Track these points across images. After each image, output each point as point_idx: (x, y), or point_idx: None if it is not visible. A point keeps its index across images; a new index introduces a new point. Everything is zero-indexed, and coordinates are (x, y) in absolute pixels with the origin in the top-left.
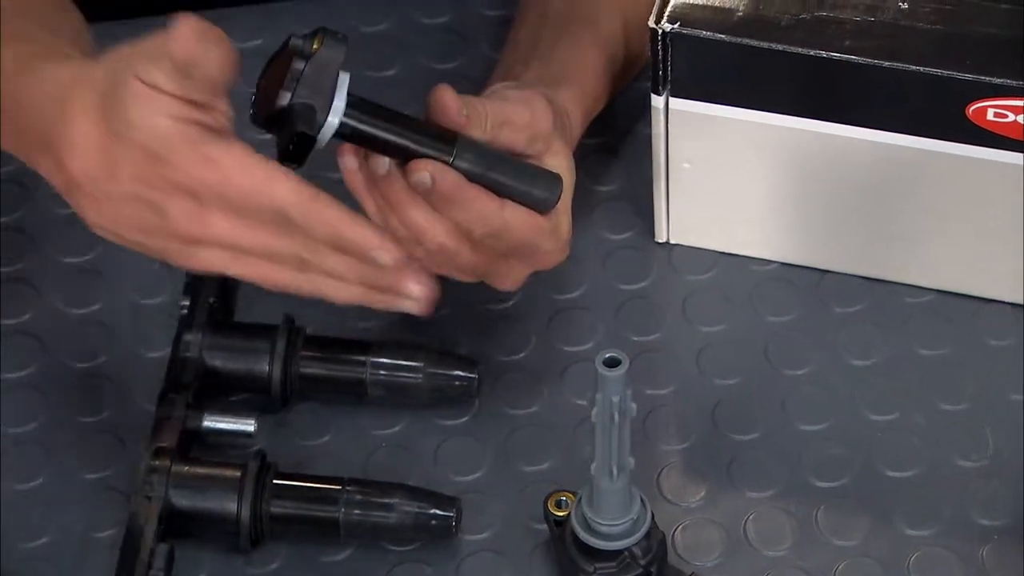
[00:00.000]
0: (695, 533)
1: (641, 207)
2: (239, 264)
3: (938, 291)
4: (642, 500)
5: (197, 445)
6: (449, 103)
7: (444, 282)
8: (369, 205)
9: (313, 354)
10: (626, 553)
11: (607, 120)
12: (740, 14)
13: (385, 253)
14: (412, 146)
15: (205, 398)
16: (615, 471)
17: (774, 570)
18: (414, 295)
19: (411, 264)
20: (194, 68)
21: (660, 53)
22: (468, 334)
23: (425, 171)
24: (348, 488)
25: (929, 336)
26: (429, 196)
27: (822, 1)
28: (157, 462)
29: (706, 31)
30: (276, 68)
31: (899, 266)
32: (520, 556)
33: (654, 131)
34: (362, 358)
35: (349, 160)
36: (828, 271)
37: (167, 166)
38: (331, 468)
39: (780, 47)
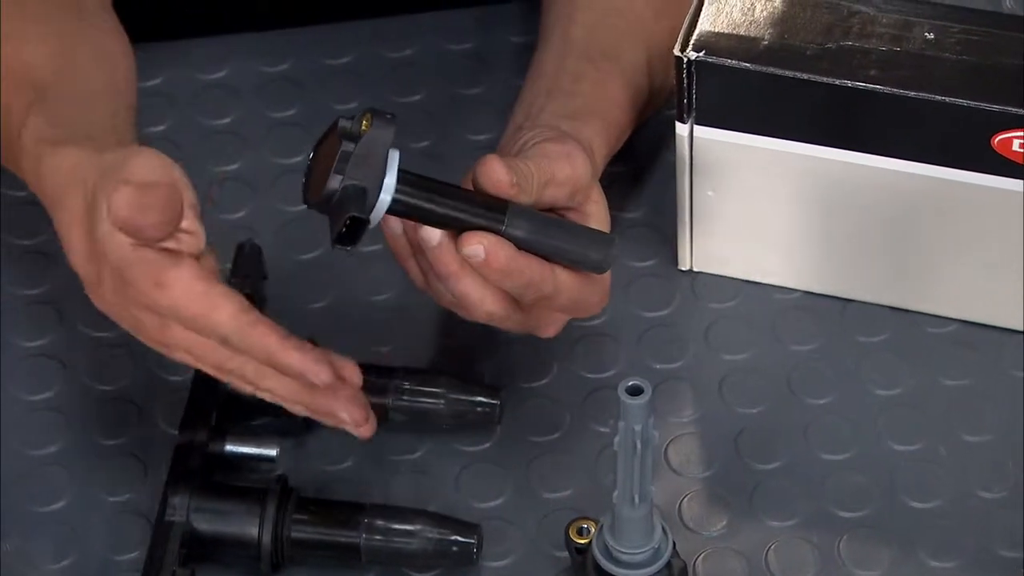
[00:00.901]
0: (716, 562)
1: (664, 235)
2: (204, 367)
3: (962, 321)
4: (664, 528)
5: (219, 469)
6: (499, 175)
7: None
8: (413, 270)
9: None
10: None
11: (631, 147)
12: (766, 43)
13: (315, 377)
14: (464, 217)
15: (227, 422)
16: (637, 499)
17: None
18: (346, 421)
19: (344, 390)
20: (134, 231)
21: (685, 81)
22: (490, 360)
23: (479, 244)
24: (369, 513)
25: (952, 366)
26: (481, 268)
27: (848, 31)
28: (179, 486)
29: (731, 59)
30: (324, 150)
31: (923, 296)
32: None
33: (678, 159)
34: (385, 384)
35: (393, 225)
36: (852, 300)
37: (130, 287)
38: (352, 493)
39: (805, 76)
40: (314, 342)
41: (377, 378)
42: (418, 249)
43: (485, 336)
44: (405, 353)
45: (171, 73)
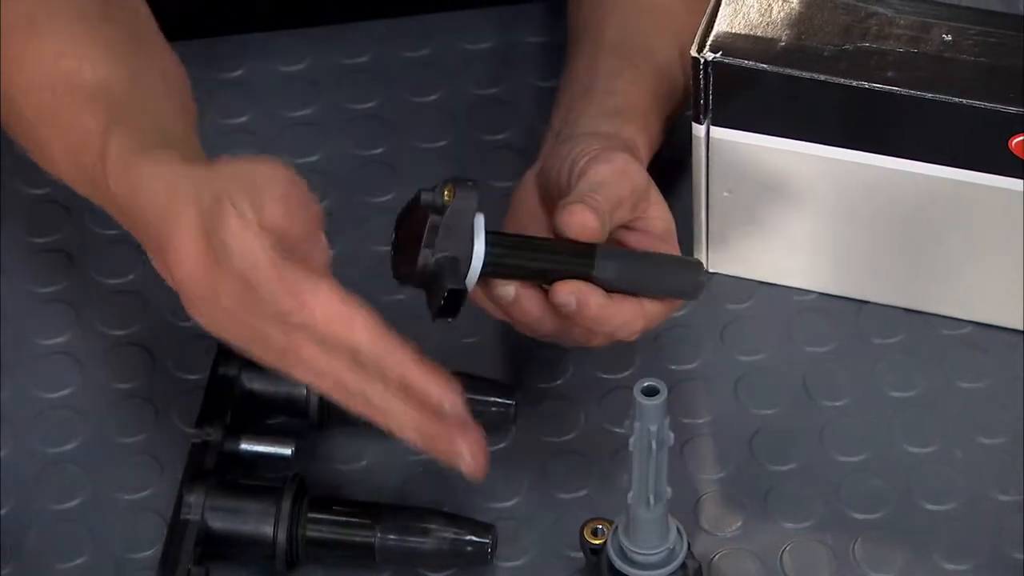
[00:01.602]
0: (731, 563)
1: (681, 235)
2: (324, 385)
3: (977, 323)
4: (678, 529)
5: (234, 468)
6: (590, 222)
7: (481, 309)
8: (493, 311)
9: None
10: None
11: None
12: (783, 44)
13: (447, 403)
14: (554, 268)
15: (243, 421)
16: (652, 500)
17: None
18: (465, 456)
19: (469, 426)
20: (285, 234)
21: (702, 82)
22: (505, 360)
23: (570, 294)
24: (384, 513)
25: (968, 368)
26: (573, 317)
27: (865, 32)
28: (194, 484)
29: (748, 60)
30: (409, 224)
31: (938, 298)
32: None
33: (695, 160)
34: None
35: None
36: (867, 302)
37: (259, 295)
38: (367, 492)
39: (822, 77)
40: None
41: None
42: (495, 298)
43: (501, 336)
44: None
45: (187, 72)
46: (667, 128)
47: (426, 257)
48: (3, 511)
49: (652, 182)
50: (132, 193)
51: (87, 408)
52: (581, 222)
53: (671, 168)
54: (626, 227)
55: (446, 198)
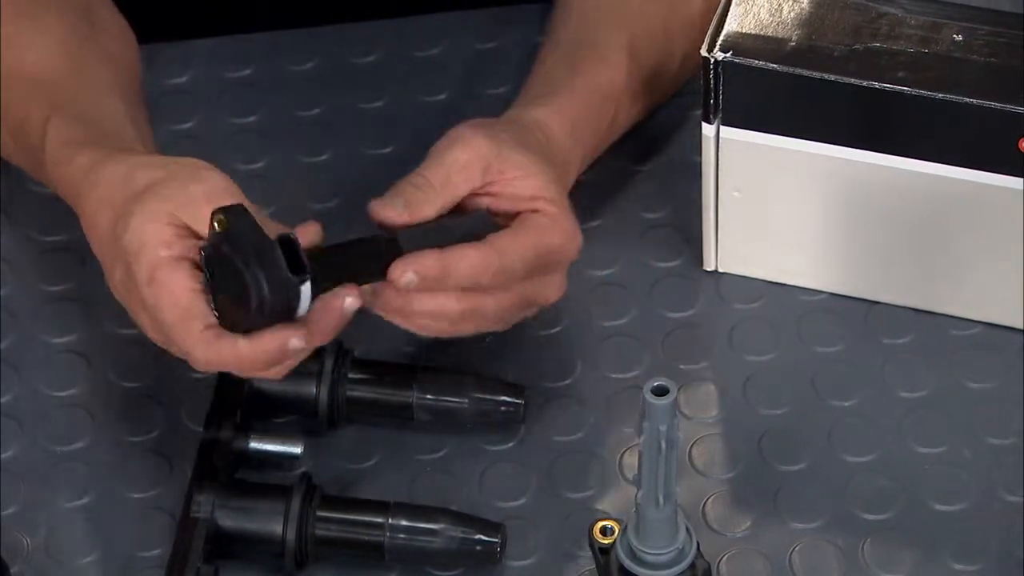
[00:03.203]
0: (740, 563)
1: (689, 235)
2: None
3: (986, 324)
4: (688, 529)
5: (243, 467)
6: (378, 213)
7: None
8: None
9: (360, 377)
10: None
11: (657, 147)
12: (793, 44)
13: (299, 341)
14: (367, 260)
15: (252, 420)
16: (661, 499)
17: None
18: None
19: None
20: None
21: (712, 82)
22: (515, 360)
23: (407, 272)
24: (393, 512)
25: (977, 369)
26: (430, 284)
27: (876, 32)
28: (204, 483)
29: (758, 60)
30: (215, 283)
31: (948, 298)
32: None
33: (704, 159)
34: (409, 382)
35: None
36: (876, 302)
37: (132, 279)
38: (376, 491)
39: (833, 77)
40: (339, 341)
41: (402, 377)
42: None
43: (510, 335)
44: (429, 352)
45: (197, 71)
46: (612, 107)
47: (262, 291)
48: (12, 509)
49: (518, 148)
50: (63, 180)
51: (96, 407)
52: (378, 215)
53: (680, 167)
54: (485, 194)
55: (218, 229)
